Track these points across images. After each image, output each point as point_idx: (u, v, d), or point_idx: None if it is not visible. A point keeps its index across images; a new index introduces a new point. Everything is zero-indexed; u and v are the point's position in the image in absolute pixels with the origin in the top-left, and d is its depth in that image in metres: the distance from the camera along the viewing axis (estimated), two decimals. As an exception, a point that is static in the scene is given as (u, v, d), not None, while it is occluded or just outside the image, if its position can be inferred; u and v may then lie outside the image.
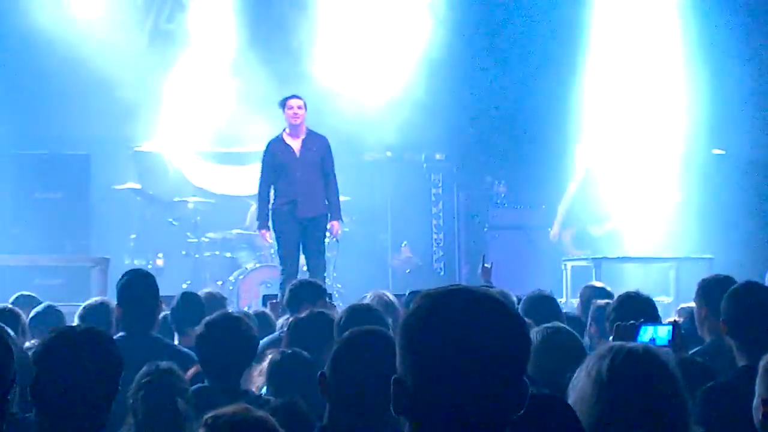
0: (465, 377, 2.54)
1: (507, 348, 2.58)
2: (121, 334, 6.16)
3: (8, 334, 4.86)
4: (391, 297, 8.04)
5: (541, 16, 15.21)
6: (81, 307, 7.33)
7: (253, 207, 12.94)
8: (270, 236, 11.66)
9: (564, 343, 5.01)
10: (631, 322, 5.33)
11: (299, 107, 11.43)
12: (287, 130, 11.49)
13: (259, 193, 11.63)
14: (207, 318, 5.13)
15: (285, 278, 10.99)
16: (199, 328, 5.07)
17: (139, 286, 6.37)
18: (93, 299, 7.82)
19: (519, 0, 15.47)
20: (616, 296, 6.68)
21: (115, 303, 6.60)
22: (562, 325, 5.40)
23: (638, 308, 6.06)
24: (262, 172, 11.60)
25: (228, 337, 4.95)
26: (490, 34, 15.36)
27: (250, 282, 13.31)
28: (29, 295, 8.89)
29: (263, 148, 11.70)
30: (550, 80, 14.98)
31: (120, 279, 6.55)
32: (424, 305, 2.63)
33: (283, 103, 11.50)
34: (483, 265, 9.22)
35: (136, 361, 4.78)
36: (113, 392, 3.84)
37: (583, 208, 12.73)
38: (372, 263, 15.16)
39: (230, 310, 7.78)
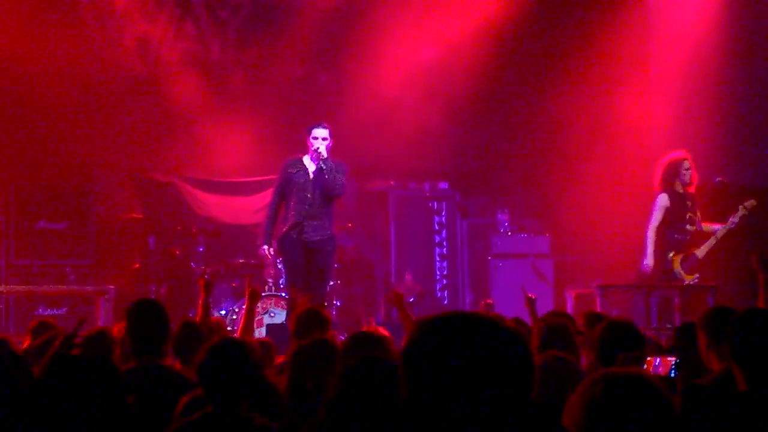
0: (465, 400, 2.54)
1: (507, 370, 2.59)
2: (131, 364, 6.14)
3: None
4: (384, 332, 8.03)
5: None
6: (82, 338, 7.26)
7: None
8: (269, 252, 11.61)
9: (563, 371, 5.02)
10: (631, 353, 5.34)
11: (324, 138, 11.35)
12: (307, 157, 11.46)
13: (268, 209, 11.64)
14: (209, 343, 5.12)
15: (290, 305, 11.11)
16: (200, 354, 5.06)
17: (148, 315, 6.32)
18: (94, 329, 7.79)
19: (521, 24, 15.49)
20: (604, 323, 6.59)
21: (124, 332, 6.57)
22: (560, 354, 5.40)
23: (621, 335, 6.02)
24: (275, 190, 11.63)
25: (230, 362, 4.93)
26: (492, 61, 15.36)
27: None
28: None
29: (268, 177, 11.77)
30: (553, 107, 14.98)
31: (129, 307, 6.51)
32: (422, 331, 2.64)
33: (309, 130, 11.42)
34: (527, 296, 8.96)
35: (147, 390, 4.79)
36: (116, 421, 3.83)
37: (681, 232, 12.52)
38: (375, 291, 15.18)
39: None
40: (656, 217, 12.21)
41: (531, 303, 8.73)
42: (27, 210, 14.13)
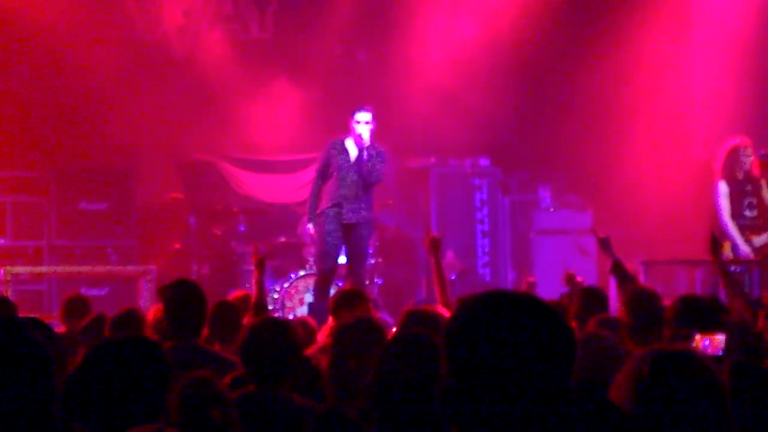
0: (506, 380, 2.52)
1: (547, 350, 2.57)
2: (168, 344, 6.11)
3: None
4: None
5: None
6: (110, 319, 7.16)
7: None
8: (311, 230, 11.65)
9: (604, 348, 4.96)
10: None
11: (366, 123, 11.34)
12: (349, 138, 11.48)
13: (311, 186, 11.74)
14: (251, 323, 5.10)
15: (320, 277, 11.41)
16: (242, 333, 5.04)
17: (185, 295, 6.28)
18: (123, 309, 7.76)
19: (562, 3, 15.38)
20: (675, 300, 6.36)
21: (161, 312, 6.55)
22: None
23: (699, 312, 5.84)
24: (318, 169, 11.70)
25: (272, 342, 4.91)
26: (534, 36, 15.27)
27: (295, 290, 13.29)
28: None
29: (308, 156, 11.85)
30: (598, 83, 14.88)
31: (166, 288, 6.50)
32: (462, 310, 2.63)
33: (353, 114, 11.41)
34: (599, 237, 8.11)
35: (183, 370, 4.75)
36: (160, 401, 3.80)
37: (740, 218, 12.33)
38: (416, 269, 15.14)
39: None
40: (724, 206, 11.98)
41: (604, 243, 7.98)
42: (68, 191, 14.20)
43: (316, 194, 11.60)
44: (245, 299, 8.60)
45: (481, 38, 15.47)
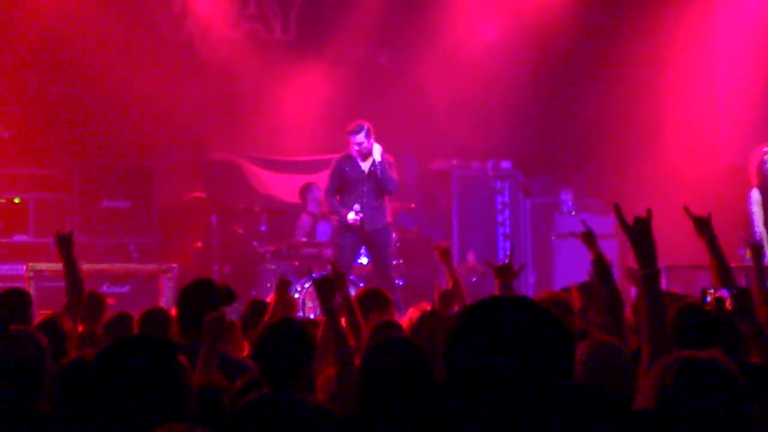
0: (502, 383, 2.55)
1: (544, 353, 2.58)
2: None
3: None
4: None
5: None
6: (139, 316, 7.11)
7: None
8: (356, 214, 12.01)
9: (612, 354, 4.95)
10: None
11: (361, 143, 11.96)
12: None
13: (326, 196, 12.29)
14: (265, 324, 5.10)
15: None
16: (256, 334, 5.03)
17: (198, 295, 6.16)
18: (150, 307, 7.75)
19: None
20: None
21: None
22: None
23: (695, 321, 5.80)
24: (329, 182, 12.20)
25: (287, 343, 4.90)
26: (556, 40, 15.24)
27: (316, 290, 13.27)
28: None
29: (330, 156, 12.09)
30: (622, 87, 14.84)
31: (182, 288, 6.44)
32: (462, 316, 2.67)
33: (348, 135, 12.03)
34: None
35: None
36: (174, 404, 3.79)
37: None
38: (437, 271, 15.13)
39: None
40: (757, 213, 11.90)
41: (588, 238, 7.43)
42: (91, 189, 14.22)
43: (333, 198, 12.16)
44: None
45: (505, 43, 15.46)
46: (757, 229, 11.81)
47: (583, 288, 7.44)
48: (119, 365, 3.70)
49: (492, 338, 2.57)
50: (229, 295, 6.22)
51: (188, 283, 6.36)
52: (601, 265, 7.10)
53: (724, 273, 6.67)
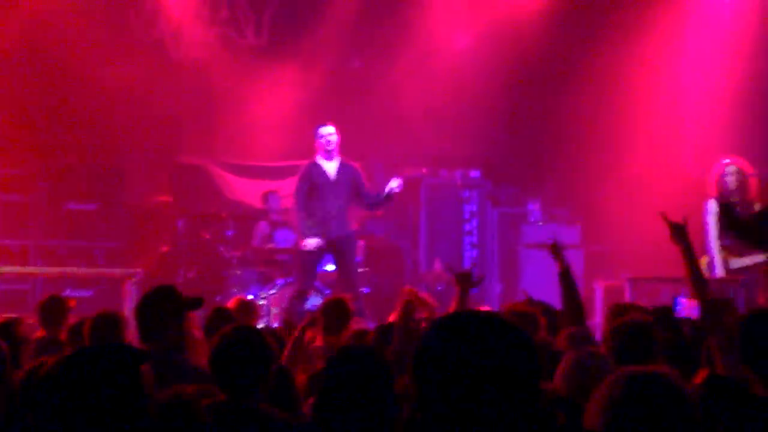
0: (469, 400, 2.53)
1: (512, 369, 2.57)
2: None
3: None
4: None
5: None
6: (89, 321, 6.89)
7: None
8: (312, 244, 12.05)
9: (595, 367, 4.94)
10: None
11: (330, 134, 12.12)
12: (320, 156, 12.17)
13: (298, 209, 12.20)
14: (221, 331, 5.05)
15: (298, 292, 12.05)
16: (213, 341, 5.00)
17: (158, 302, 6.03)
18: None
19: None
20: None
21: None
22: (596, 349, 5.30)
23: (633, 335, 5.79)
24: (298, 190, 12.19)
25: (244, 351, 4.87)
26: (525, 50, 15.26)
27: (281, 297, 13.27)
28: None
29: (298, 162, 12.16)
30: (590, 99, 14.88)
31: (142, 296, 6.24)
32: (429, 332, 2.65)
33: (316, 131, 12.19)
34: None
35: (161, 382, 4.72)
36: (135, 412, 3.76)
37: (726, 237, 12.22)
38: (404, 279, 15.12)
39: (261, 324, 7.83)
40: (710, 224, 11.95)
41: (555, 249, 7.44)
42: (57, 191, 14.16)
43: (304, 213, 12.11)
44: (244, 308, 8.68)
45: (476, 51, 15.49)
46: (708, 239, 11.86)
47: (546, 312, 7.41)
48: (81, 375, 3.67)
49: (460, 354, 2.56)
50: (195, 301, 6.16)
51: (148, 291, 6.25)
52: (566, 277, 7.12)
53: (697, 283, 6.65)
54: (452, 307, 7.08)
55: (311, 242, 11.99)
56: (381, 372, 4.44)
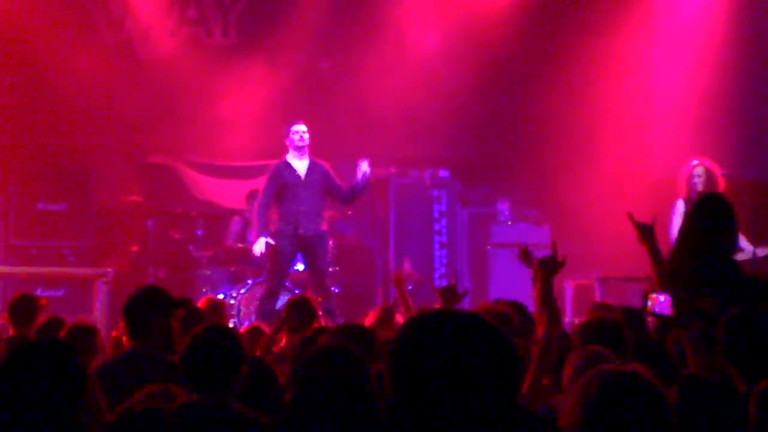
0: (446, 398, 2.53)
1: (489, 367, 2.56)
2: (127, 351, 6.05)
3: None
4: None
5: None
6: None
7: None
8: (264, 246, 12.08)
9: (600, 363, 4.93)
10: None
11: (304, 132, 12.17)
12: (291, 155, 12.21)
13: (259, 207, 12.20)
14: (192, 331, 5.08)
15: (269, 292, 12.01)
16: (184, 341, 5.02)
17: (146, 302, 6.08)
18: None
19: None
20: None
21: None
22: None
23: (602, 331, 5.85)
24: (265, 188, 12.20)
25: (215, 350, 4.89)
26: (493, 49, 15.29)
27: (251, 297, 13.27)
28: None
29: (267, 162, 12.17)
30: (559, 98, 14.93)
31: (130, 296, 6.24)
32: (406, 329, 2.64)
33: (288, 129, 12.23)
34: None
35: (143, 381, 4.75)
36: (73, 408, 3.80)
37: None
38: (373, 278, 15.15)
39: (231, 324, 7.86)
40: (675, 223, 12.01)
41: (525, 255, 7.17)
42: (26, 190, 14.11)
43: (264, 213, 12.15)
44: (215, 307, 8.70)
45: (445, 51, 15.51)
46: (671, 238, 11.93)
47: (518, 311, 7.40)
48: (14, 372, 3.71)
49: (438, 352, 2.55)
50: (181, 301, 6.24)
51: (136, 291, 6.27)
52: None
53: (663, 282, 6.71)
54: None
55: (257, 248, 12.06)
56: (357, 371, 4.45)
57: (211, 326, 5.20)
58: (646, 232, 7.02)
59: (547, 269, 6.38)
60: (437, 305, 6.95)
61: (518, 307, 7.34)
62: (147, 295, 6.18)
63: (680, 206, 11.89)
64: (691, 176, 11.88)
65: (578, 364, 4.96)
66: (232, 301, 13.11)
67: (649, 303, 6.06)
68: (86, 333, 6.86)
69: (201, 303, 8.94)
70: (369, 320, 7.80)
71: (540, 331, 5.82)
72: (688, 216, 7.13)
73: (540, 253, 7.13)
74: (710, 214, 6.89)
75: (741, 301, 5.61)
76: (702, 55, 14.79)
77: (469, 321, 2.62)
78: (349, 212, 14.52)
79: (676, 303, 6.04)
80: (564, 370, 5.11)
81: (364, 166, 12.12)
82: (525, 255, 7.04)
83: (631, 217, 7.03)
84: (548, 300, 6.02)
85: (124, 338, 6.23)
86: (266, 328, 8.44)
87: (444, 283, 8.55)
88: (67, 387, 3.79)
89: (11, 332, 8.00)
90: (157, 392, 4.62)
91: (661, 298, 6.24)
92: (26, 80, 14.49)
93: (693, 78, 14.77)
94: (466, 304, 14.40)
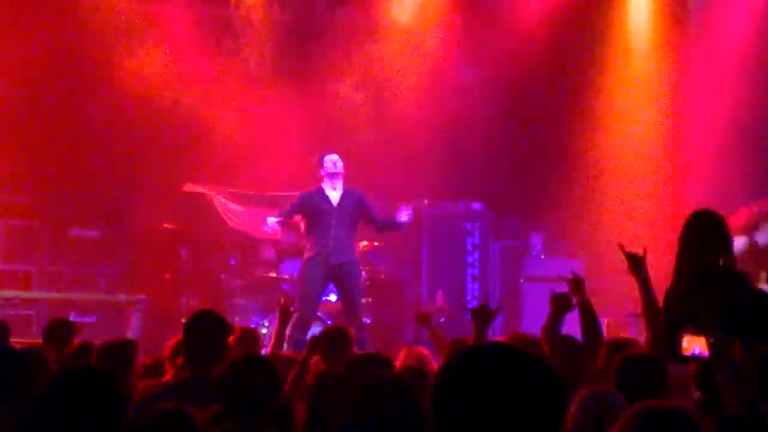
0: None
1: (535, 405, 2.54)
2: (185, 375, 6.06)
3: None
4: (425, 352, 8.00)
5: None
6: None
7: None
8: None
9: (609, 404, 4.90)
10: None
11: (337, 160, 12.15)
12: (325, 183, 12.13)
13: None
14: (232, 359, 5.09)
15: (299, 319, 11.51)
16: (222, 369, 5.02)
17: (207, 327, 6.12)
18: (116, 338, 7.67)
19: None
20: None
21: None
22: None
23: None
24: (292, 203, 12.31)
25: (253, 380, 4.89)
26: (533, 86, 15.31)
27: (283, 326, 13.23)
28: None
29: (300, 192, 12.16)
30: (590, 130, 14.92)
31: (189, 319, 6.31)
32: (451, 364, 2.61)
33: (321, 159, 12.19)
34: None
35: (198, 403, 4.73)
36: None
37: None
38: (405, 310, 15.12)
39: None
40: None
41: (577, 285, 7.29)
42: (60, 216, 14.18)
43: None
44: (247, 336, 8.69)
45: (480, 84, 15.51)
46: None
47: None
48: (60, 398, 3.72)
49: (482, 389, 2.52)
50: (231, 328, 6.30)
51: (195, 315, 6.32)
52: (587, 310, 7.10)
53: (651, 315, 6.67)
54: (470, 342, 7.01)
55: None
56: (412, 404, 4.38)
57: (250, 356, 5.21)
58: (637, 263, 7.03)
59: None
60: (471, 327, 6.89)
61: (534, 343, 7.28)
62: (209, 320, 6.23)
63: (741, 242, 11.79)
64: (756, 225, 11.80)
65: (586, 403, 4.91)
66: (264, 330, 13.10)
67: (684, 344, 5.91)
68: (123, 349, 6.85)
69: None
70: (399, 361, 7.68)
71: None
72: (681, 235, 7.18)
73: (563, 288, 7.14)
74: (700, 228, 6.95)
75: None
76: (735, 83, 14.73)
77: (512, 356, 2.60)
78: (377, 242, 14.44)
79: (713, 345, 5.90)
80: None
81: (405, 216, 12.06)
82: (574, 283, 7.03)
83: (622, 247, 7.02)
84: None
85: (178, 361, 6.25)
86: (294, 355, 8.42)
87: (476, 304, 8.55)
88: (108, 414, 3.79)
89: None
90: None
91: (696, 339, 6.10)
92: (64, 108, 14.55)
93: (720, 109, 14.71)
94: (498, 329, 14.41)
